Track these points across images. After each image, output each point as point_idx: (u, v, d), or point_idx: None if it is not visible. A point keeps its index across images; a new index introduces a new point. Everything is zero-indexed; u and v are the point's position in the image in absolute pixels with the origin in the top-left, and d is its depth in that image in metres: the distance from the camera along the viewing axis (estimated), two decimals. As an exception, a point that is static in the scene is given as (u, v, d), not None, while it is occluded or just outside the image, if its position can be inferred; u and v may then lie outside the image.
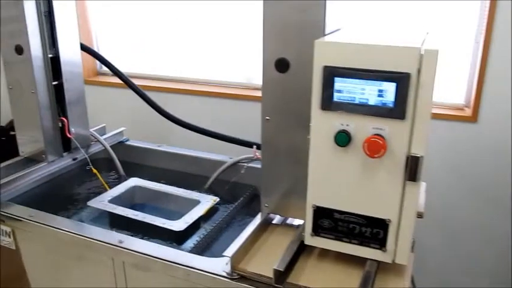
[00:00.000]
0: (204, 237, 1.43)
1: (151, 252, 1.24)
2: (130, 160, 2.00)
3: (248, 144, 1.80)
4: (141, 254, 1.25)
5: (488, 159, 2.16)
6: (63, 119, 1.77)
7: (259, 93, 2.43)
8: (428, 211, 1.31)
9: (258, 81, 2.56)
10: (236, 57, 2.66)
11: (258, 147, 1.75)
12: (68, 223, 1.43)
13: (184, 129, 1.91)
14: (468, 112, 2.17)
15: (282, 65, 1.14)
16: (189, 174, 1.86)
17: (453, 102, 2.24)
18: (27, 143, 1.79)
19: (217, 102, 2.63)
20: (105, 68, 2.96)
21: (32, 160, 1.79)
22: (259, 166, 1.72)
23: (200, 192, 1.69)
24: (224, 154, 1.86)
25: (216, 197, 1.62)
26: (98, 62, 3.03)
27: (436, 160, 2.17)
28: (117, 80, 2.76)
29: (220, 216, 1.56)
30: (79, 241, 1.34)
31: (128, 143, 2.09)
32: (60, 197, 1.74)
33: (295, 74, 1.14)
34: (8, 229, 1.52)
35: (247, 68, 2.65)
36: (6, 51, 1.67)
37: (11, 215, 1.48)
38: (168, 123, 1.92)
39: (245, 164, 1.72)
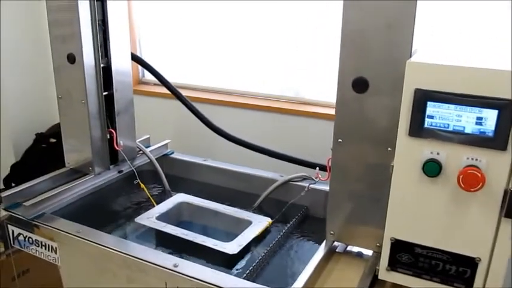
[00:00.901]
0: (258, 261, 1.35)
1: (209, 279, 1.17)
2: (175, 174, 1.95)
3: (296, 162, 1.73)
4: (197, 280, 1.18)
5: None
6: (112, 130, 1.72)
7: (310, 108, 2.38)
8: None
9: (306, 94, 2.53)
10: (284, 70, 2.59)
11: (309, 166, 1.68)
12: (118, 242, 1.37)
13: (229, 143, 1.84)
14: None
15: (360, 85, 1.06)
16: (235, 191, 1.79)
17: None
18: (73, 153, 1.74)
19: (263, 116, 2.57)
20: (147, 77, 2.95)
21: (78, 172, 1.74)
22: (311, 185, 1.68)
23: (249, 211, 1.61)
24: (269, 170, 1.80)
25: (270, 219, 1.54)
26: (140, 71, 3.01)
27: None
28: (159, 90, 2.76)
29: (271, 238, 1.48)
30: (131, 262, 1.28)
31: (172, 155, 2.03)
32: (106, 212, 1.69)
33: (374, 95, 1.06)
34: (54, 244, 1.47)
35: (295, 81, 2.58)
36: (57, 59, 1.63)
37: (57, 229, 1.43)
38: (212, 136, 1.87)
39: (306, 186, 1.63)
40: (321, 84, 2.49)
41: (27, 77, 3.01)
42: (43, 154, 2.70)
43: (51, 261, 1.51)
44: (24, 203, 1.49)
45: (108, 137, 1.72)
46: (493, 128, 0.87)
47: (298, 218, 1.61)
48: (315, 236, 1.51)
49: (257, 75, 2.69)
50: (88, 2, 1.55)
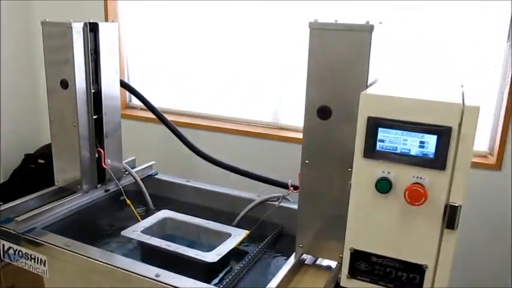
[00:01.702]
0: (235, 274, 1.46)
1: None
2: (159, 194, 2.04)
3: (272, 183, 1.85)
4: (177, 289, 1.28)
5: (512, 207, 2.19)
6: (100, 150, 1.83)
7: (284, 133, 2.52)
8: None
9: (284, 121, 2.68)
10: (264, 96, 2.74)
11: (282, 186, 1.80)
12: (104, 254, 1.47)
13: (210, 165, 1.95)
14: (492, 160, 2.21)
15: (324, 113, 1.20)
16: (216, 210, 1.89)
17: (477, 149, 2.28)
18: (63, 172, 1.84)
19: (242, 140, 2.70)
20: (133, 102, 3.08)
21: (66, 190, 1.84)
22: (285, 206, 1.80)
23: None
24: (248, 190, 1.91)
25: (247, 231, 1.64)
26: (127, 96, 3.13)
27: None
28: (144, 114, 2.88)
29: (248, 253, 1.59)
30: (116, 273, 1.38)
31: (156, 176, 2.14)
32: (93, 227, 1.78)
33: (336, 122, 1.20)
34: (44, 257, 1.56)
35: (275, 108, 2.73)
36: (51, 84, 1.75)
37: (47, 243, 1.52)
38: (194, 159, 1.97)
39: (276, 203, 1.75)
40: (296, 111, 2.64)
41: (17, 99, 3.11)
42: (31, 174, 2.79)
43: (39, 273, 1.59)
44: (16, 218, 1.59)
45: (97, 156, 1.83)
46: (433, 150, 1.01)
47: (273, 235, 1.72)
48: (288, 252, 1.62)
49: (237, 102, 2.83)
50: (82, 32, 1.67)
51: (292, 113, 2.70)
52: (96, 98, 1.79)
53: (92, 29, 1.71)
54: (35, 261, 1.58)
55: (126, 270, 1.37)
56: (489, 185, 2.20)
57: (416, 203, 1.02)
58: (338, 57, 1.16)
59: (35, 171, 2.80)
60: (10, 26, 3.01)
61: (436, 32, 2.25)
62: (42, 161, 2.80)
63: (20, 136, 3.11)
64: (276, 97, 2.71)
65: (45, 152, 2.85)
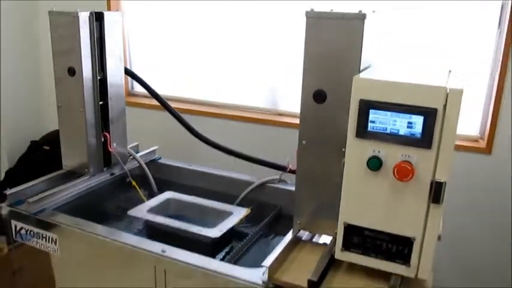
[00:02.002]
0: (237, 249, 1.55)
1: (193, 262, 1.36)
2: (162, 177, 2.13)
3: (272, 166, 1.92)
4: (183, 263, 1.36)
5: (502, 190, 2.27)
6: (106, 134, 1.91)
7: (282, 119, 2.59)
8: (442, 243, 1.42)
9: (283, 107, 2.75)
10: (262, 83, 2.82)
11: (280, 169, 1.87)
12: (113, 232, 1.56)
13: (211, 150, 2.01)
14: (482, 144, 2.29)
15: (319, 96, 1.28)
16: (217, 192, 1.96)
17: (468, 133, 2.36)
18: (70, 156, 1.92)
19: (242, 126, 2.78)
20: (135, 89, 3.15)
21: (74, 173, 1.92)
22: (284, 187, 1.88)
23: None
24: (248, 173, 1.99)
25: (248, 209, 1.73)
26: (129, 84, 3.20)
27: (450, 190, 2.27)
28: (147, 101, 2.96)
29: (248, 232, 1.68)
30: (124, 250, 1.46)
31: (160, 161, 2.22)
32: (101, 208, 1.87)
33: (330, 105, 1.28)
34: (55, 236, 1.64)
35: (274, 94, 2.80)
36: (59, 71, 1.82)
37: (58, 223, 1.61)
38: (196, 144, 2.04)
39: (279, 185, 1.83)
40: (294, 97, 2.72)
41: (21, 88, 3.18)
42: (37, 161, 2.87)
43: (50, 252, 1.68)
44: (28, 199, 1.67)
45: (103, 140, 1.90)
46: (420, 130, 1.08)
47: (273, 215, 1.81)
48: (286, 230, 1.70)
49: (238, 89, 2.91)
50: (88, 21, 1.75)
51: (288, 99, 2.77)
52: (101, 85, 1.86)
53: (97, 18, 1.79)
54: (46, 240, 1.67)
55: (134, 246, 1.45)
56: (480, 169, 2.29)
57: (405, 179, 1.10)
58: (333, 43, 1.24)
59: (40, 158, 2.88)
60: (13, 13, 3.07)
61: (436, 32, 2.32)
62: (47, 148, 2.88)
63: (25, 123, 3.19)
64: (273, 84, 2.78)
65: (50, 139, 2.93)
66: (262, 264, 1.26)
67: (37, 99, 3.26)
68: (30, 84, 3.23)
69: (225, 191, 1.97)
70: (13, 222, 1.72)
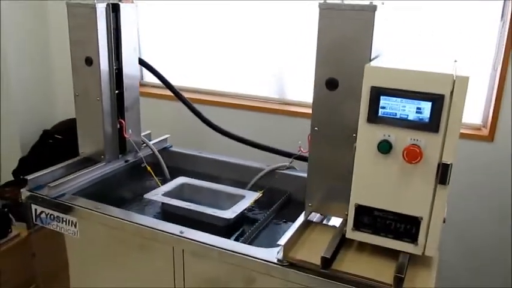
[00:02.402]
0: (248, 233, 1.61)
1: (210, 242, 1.43)
2: (174, 165, 2.19)
3: (282, 153, 1.98)
4: (200, 243, 1.44)
5: (504, 177, 2.34)
6: (122, 121, 1.97)
7: (290, 108, 2.65)
8: (445, 226, 1.49)
9: (290, 96, 2.82)
10: (270, 73, 2.88)
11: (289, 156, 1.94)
12: (132, 215, 1.63)
13: (221, 138, 2.08)
14: (485, 132, 2.36)
15: (331, 84, 1.34)
16: (228, 179, 2.03)
17: (471, 122, 2.43)
18: (87, 144, 1.99)
19: (252, 115, 2.84)
20: (145, 79, 3.20)
21: (90, 160, 1.99)
22: (293, 174, 1.95)
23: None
24: (257, 161, 2.05)
25: (261, 191, 1.79)
26: (140, 74, 3.25)
27: (453, 175, 2.34)
28: (156, 91, 3.02)
29: (261, 216, 1.74)
30: (144, 232, 1.53)
31: (171, 149, 2.29)
32: (118, 193, 1.95)
33: (342, 92, 1.34)
34: (75, 219, 1.72)
35: (281, 83, 2.87)
36: (76, 61, 1.88)
37: (78, 206, 1.68)
38: (204, 134, 2.09)
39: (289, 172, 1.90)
40: (302, 87, 2.79)
41: (33, 78, 3.24)
42: (49, 149, 2.94)
43: (70, 234, 1.75)
44: (48, 184, 1.74)
45: (118, 127, 1.97)
46: (428, 115, 1.15)
47: (283, 199, 1.87)
48: (297, 215, 1.77)
49: (247, 79, 2.97)
50: (104, 11, 1.81)
51: (296, 89, 2.84)
52: (117, 75, 1.92)
53: (113, 10, 1.84)
54: (66, 224, 1.74)
55: (153, 228, 1.52)
56: (482, 155, 2.35)
57: (413, 162, 1.17)
58: (344, 34, 1.30)
59: (52, 146, 2.95)
60: (23, 3, 3.12)
61: (440, 23, 2.37)
62: (60, 137, 2.94)
63: (37, 113, 3.25)
64: (281, 74, 2.84)
65: (62, 128, 3.00)
66: (278, 243, 1.33)
67: (48, 90, 3.32)
68: (41, 75, 3.29)
69: (236, 177, 2.03)
70: (33, 207, 1.78)
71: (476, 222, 2.46)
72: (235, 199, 1.74)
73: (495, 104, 2.29)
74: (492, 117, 2.30)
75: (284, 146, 1.97)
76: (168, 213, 1.76)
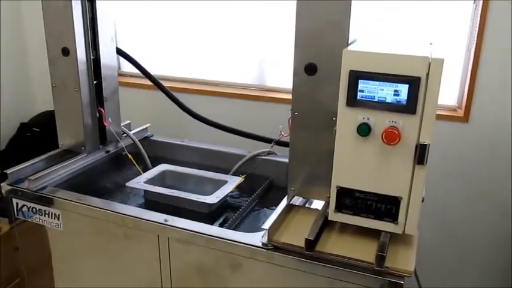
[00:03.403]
0: (232, 219, 1.63)
1: (195, 229, 1.44)
2: (155, 154, 2.19)
3: (262, 139, 2.00)
4: (185, 230, 1.45)
5: (479, 156, 2.41)
6: (101, 109, 1.96)
7: (271, 94, 2.66)
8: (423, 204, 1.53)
9: (271, 82, 2.83)
10: (250, 59, 2.89)
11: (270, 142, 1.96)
12: (116, 205, 1.63)
13: (201, 126, 2.08)
14: (460, 113, 2.42)
15: (310, 69, 1.36)
16: (210, 167, 2.03)
17: (446, 103, 2.48)
18: (67, 135, 1.97)
19: (230, 102, 2.85)
20: (123, 69, 3.17)
21: (70, 152, 1.97)
22: (275, 159, 1.97)
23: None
24: (239, 147, 2.07)
25: (242, 176, 1.81)
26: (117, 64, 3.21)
27: (430, 156, 2.40)
28: (134, 81, 3.00)
29: (243, 202, 1.76)
30: (128, 221, 1.54)
31: (152, 138, 2.28)
32: (100, 183, 1.94)
33: (321, 77, 1.36)
34: (58, 212, 1.71)
35: (262, 70, 2.88)
36: (52, 52, 1.85)
37: (61, 198, 1.67)
38: (184, 122, 2.09)
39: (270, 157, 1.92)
40: (282, 73, 2.80)
41: (9, 70, 3.18)
42: (27, 142, 2.90)
43: (53, 227, 1.74)
44: (29, 177, 1.72)
45: (98, 115, 1.96)
46: (405, 98, 1.17)
47: (265, 185, 1.90)
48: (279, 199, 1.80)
49: (227, 67, 2.97)
50: (80, 2, 1.78)
51: (276, 76, 2.85)
52: (95, 65, 1.91)
53: (89, -1, 1.82)
54: (49, 216, 1.73)
55: (137, 217, 1.53)
56: (458, 136, 2.41)
57: (392, 143, 1.20)
58: (322, 19, 1.31)
59: (30, 139, 2.91)
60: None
61: (415, 8, 2.41)
62: (37, 129, 2.91)
63: (14, 106, 3.20)
64: (262, 61, 2.85)
65: (39, 120, 2.96)
66: (262, 227, 1.35)
67: (25, 81, 3.26)
68: (17, 67, 3.23)
69: (218, 164, 2.04)
70: (14, 201, 1.77)
71: (453, 201, 2.53)
72: (217, 184, 1.76)
73: (469, 85, 2.34)
74: (467, 99, 2.36)
75: (266, 132, 1.99)
76: (151, 201, 1.76)
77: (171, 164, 2.01)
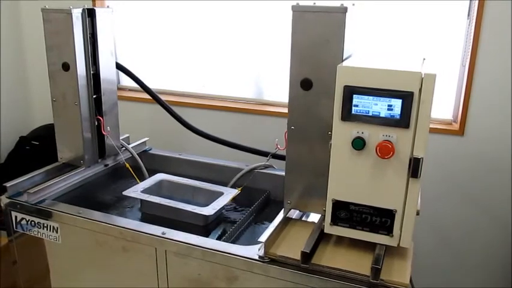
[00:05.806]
0: (230, 232, 1.65)
1: (193, 242, 1.46)
2: (154, 168, 2.19)
3: (259, 153, 2.03)
4: (183, 243, 1.46)
5: (475, 169, 2.43)
6: (100, 118, 1.98)
7: (267, 108, 2.69)
8: (420, 217, 1.54)
9: (268, 96, 2.86)
10: (247, 74, 2.92)
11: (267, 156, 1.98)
12: (114, 218, 1.64)
13: (198, 140, 2.10)
14: (456, 126, 2.44)
15: (306, 84, 1.38)
16: (208, 180, 2.04)
17: (442, 117, 2.51)
18: (66, 149, 1.99)
19: (229, 116, 2.87)
20: (122, 83, 3.20)
21: (69, 165, 1.99)
22: (272, 172, 1.99)
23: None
24: (236, 161, 2.08)
25: (239, 188, 1.83)
26: (116, 78, 3.24)
27: (426, 170, 2.42)
28: (134, 95, 3.02)
29: (241, 216, 1.78)
30: (126, 234, 1.55)
31: (151, 151, 2.30)
32: (98, 196, 1.96)
33: (316, 92, 1.39)
34: (56, 225, 1.72)
35: (258, 84, 2.91)
36: (52, 66, 1.88)
37: (59, 211, 1.69)
38: (181, 136, 2.10)
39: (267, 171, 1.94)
40: (279, 88, 2.83)
41: (9, 84, 3.21)
42: (26, 155, 2.91)
43: (52, 240, 1.75)
44: (28, 190, 1.74)
45: (96, 124, 1.98)
46: (399, 112, 1.20)
47: (263, 198, 1.91)
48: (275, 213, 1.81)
49: (225, 81, 3.00)
50: (80, 17, 1.81)
51: (273, 90, 2.88)
52: (94, 79, 1.93)
53: (89, 15, 1.85)
54: (47, 229, 1.74)
55: (135, 230, 1.54)
56: (453, 149, 2.44)
57: (386, 157, 1.22)
58: (317, 35, 1.34)
59: (29, 153, 2.93)
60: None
61: (411, 25, 2.45)
62: (37, 143, 2.92)
63: (13, 119, 3.21)
64: (259, 75, 2.88)
65: (39, 134, 2.98)
66: (259, 240, 1.36)
67: (24, 95, 3.29)
68: (16, 80, 3.25)
69: (216, 178, 2.05)
70: (13, 214, 1.78)
71: (448, 214, 2.55)
72: (214, 196, 1.77)
73: (464, 99, 2.37)
74: (462, 112, 2.39)
75: (263, 146, 2.01)
76: (147, 210, 1.77)
77: (168, 176, 2.03)
